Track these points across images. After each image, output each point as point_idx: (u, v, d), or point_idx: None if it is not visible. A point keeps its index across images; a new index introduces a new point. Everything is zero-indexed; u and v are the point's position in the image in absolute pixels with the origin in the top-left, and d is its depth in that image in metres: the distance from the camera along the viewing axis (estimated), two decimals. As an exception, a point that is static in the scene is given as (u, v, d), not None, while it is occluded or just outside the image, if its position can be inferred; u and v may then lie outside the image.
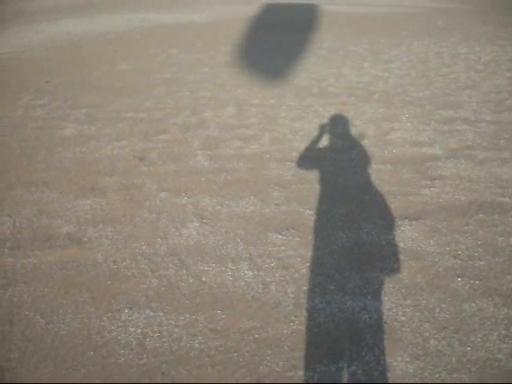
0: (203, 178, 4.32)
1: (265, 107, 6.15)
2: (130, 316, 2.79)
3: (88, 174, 4.46)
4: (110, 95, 6.83)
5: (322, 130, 5.36)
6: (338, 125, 5.50)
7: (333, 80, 7.21)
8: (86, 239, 3.51)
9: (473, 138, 5.01)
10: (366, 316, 2.73)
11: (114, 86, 7.31)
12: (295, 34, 10.64)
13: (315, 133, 5.27)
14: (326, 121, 5.61)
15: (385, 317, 2.73)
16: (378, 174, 4.30)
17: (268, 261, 3.21)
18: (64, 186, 4.26)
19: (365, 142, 4.97)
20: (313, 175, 4.31)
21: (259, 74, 7.67)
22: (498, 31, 10.14)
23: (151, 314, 2.80)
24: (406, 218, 3.62)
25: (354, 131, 5.28)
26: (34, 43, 10.45)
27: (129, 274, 3.14)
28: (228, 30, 11.06)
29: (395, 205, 3.81)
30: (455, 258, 3.19)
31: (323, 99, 6.36)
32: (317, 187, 4.12)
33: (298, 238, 3.43)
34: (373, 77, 7.34)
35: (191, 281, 3.05)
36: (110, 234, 3.57)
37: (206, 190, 4.11)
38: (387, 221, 3.61)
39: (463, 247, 3.29)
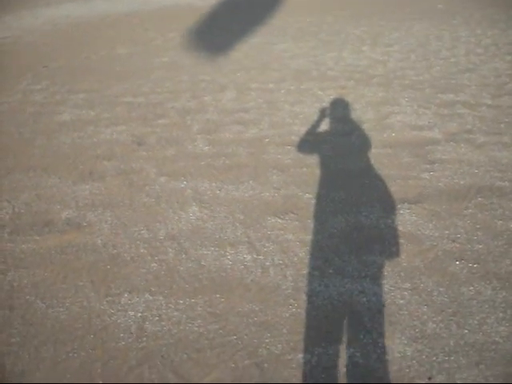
0: (202, 163, 4.31)
1: (264, 91, 6.12)
2: (129, 300, 2.81)
3: (86, 159, 4.46)
4: (108, 79, 6.80)
5: (322, 113, 5.34)
6: (337, 109, 5.47)
7: (332, 64, 7.17)
8: (85, 224, 3.52)
9: (473, 121, 4.99)
10: (365, 299, 2.74)
11: (112, 70, 7.27)
12: (294, 16, 10.56)
13: (314, 117, 5.25)
14: (325, 105, 5.59)
15: (383, 300, 2.74)
16: (378, 158, 4.29)
17: (267, 245, 3.21)
18: (62, 171, 4.26)
19: (364, 126, 4.95)
20: (312, 159, 4.31)
21: (258, 58, 7.63)
22: (498, 14, 10.03)
23: (150, 297, 2.82)
24: (405, 202, 3.62)
25: (353, 115, 5.26)
26: (34, 27, 10.40)
27: (128, 258, 3.15)
28: (226, 13, 10.99)
29: (394, 188, 3.81)
30: (454, 241, 3.19)
31: (322, 83, 6.33)
32: (316, 171, 4.11)
33: (296, 222, 3.44)
34: (372, 60, 7.29)
35: (190, 265, 3.06)
36: (109, 218, 3.58)
37: (205, 175, 4.11)
38: (386, 204, 3.60)
39: (462, 231, 3.29)
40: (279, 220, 3.47)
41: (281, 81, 6.50)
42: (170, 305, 2.76)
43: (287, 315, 2.66)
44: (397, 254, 3.09)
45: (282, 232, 3.34)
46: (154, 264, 3.08)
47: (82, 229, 3.47)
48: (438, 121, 5.03)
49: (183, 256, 3.14)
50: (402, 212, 3.51)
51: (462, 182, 3.87)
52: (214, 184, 3.96)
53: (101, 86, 6.55)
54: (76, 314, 2.73)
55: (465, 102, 5.52)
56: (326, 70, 6.89)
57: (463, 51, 7.58)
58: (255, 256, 3.11)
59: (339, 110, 5.44)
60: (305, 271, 2.97)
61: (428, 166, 4.12)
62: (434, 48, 7.85)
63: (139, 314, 2.71)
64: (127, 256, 3.16)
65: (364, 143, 4.58)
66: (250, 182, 3.97)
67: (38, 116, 5.58)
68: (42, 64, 7.72)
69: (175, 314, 2.70)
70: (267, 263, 3.05)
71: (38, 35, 9.71)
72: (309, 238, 3.27)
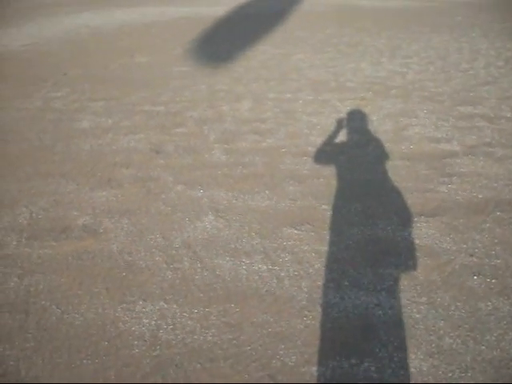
0: (219, 172, 4.32)
1: (281, 101, 6.13)
2: (144, 308, 2.81)
3: (105, 166, 4.49)
4: (127, 88, 6.85)
5: (339, 124, 5.33)
6: (355, 120, 5.46)
7: (351, 75, 7.16)
8: (101, 231, 3.54)
9: (491, 134, 4.95)
10: (380, 312, 2.72)
11: (131, 78, 7.33)
12: (314, 27, 10.59)
13: (332, 128, 5.25)
14: (343, 116, 5.58)
15: (399, 314, 2.71)
16: (395, 170, 4.27)
17: (282, 255, 3.20)
18: (81, 178, 4.29)
19: (382, 138, 4.93)
20: (329, 170, 4.29)
21: (276, 68, 7.65)
22: (519, 27, 9.99)
23: (165, 306, 2.82)
24: (422, 215, 3.59)
25: (370, 126, 5.25)
26: (53, 36, 10.52)
27: (143, 266, 3.15)
28: (245, 23, 11.04)
29: (412, 201, 3.78)
30: (471, 255, 3.16)
31: (341, 94, 6.32)
32: (333, 182, 4.10)
33: (312, 233, 3.42)
34: (391, 72, 7.27)
35: (205, 274, 3.06)
36: (125, 226, 3.59)
37: (221, 184, 4.11)
38: (403, 217, 3.58)
39: (480, 245, 3.26)
40: (295, 231, 3.45)
41: (298, 91, 6.51)
42: (185, 313, 2.76)
43: (302, 327, 2.65)
44: (413, 267, 3.06)
45: (297, 243, 3.33)
46: (169, 272, 3.08)
47: (99, 235, 3.49)
48: (457, 133, 5.00)
49: (198, 265, 3.14)
50: (419, 225, 3.48)
51: (480, 196, 3.83)
52: (230, 193, 3.96)
53: (120, 94, 6.60)
54: (91, 320, 2.74)
55: (484, 114, 5.49)
56: (345, 81, 6.89)
57: (483, 64, 7.54)
58: (270, 266, 3.10)
59: (357, 121, 5.43)
60: (320, 283, 2.95)
61: (446, 179, 4.09)
62: (454, 60, 7.81)
63: (153, 322, 2.71)
64: (142, 264, 3.17)
65: (381, 155, 4.56)
66: (267, 192, 3.97)
67: (58, 123, 5.63)
68: (62, 72, 7.80)
69: (189, 322, 2.69)
70: (282, 274, 3.04)
71: (57, 43, 9.83)
72: (324, 249, 3.25)
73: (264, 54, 8.60)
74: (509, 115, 5.42)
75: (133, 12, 13.13)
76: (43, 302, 2.88)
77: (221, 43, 9.43)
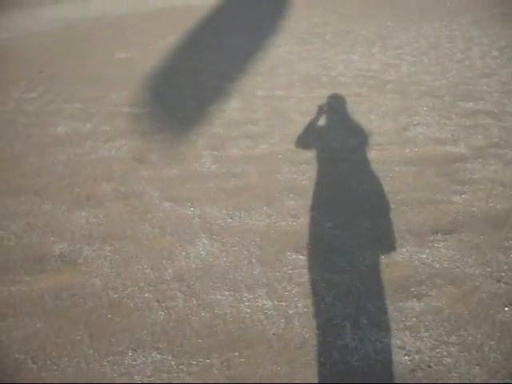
0: (210, 184, 3.92)
1: (272, 99, 5.72)
2: (134, 360, 2.42)
3: (83, 180, 4.06)
4: (106, 87, 6.40)
5: (336, 126, 4.94)
6: (352, 120, 5.07)
7: (342, 68, 6.77)
8: (81, 260, 3.13)
9: (499, 133, 4.61)
10: (406, 358, 2.37)
11: (110, 76, 6.87)
12: (298, 15, 10.16)
13: (329, 129, 4.86)
14: (339, 115, 5.20)
15: (428, 358, 2.36)
16: (401, 178, 3.91)
17: (289, 288, 2.82)
18: (57, 195, 3.86)
19: (383, 140, 4.56)
20: (330, 180, 3.92)
21: (264, 62, 7.22)
22: (509, 13, 9.65)
23: (158, 357, 2.43)
24: (438, 232, 3.24)
25: (370, 127, 4.86)
26: (28, 29, 9.98)
27: (131, 304, 2.76)
28: (226, 13, 10.59)
29: (424, 215, 3.43)
30: (498, 281, 2.82)
31: (334, 90, 5.93)
32: (336, 194, 3.72)
33: (320, 258, 3.05)
34: (384, 64, 6.89)
35: (203, 314, 2.67)
36: (108, 254, 3.18)
37: (213, 199, 3.72)
38: (417, 235, 3.22)
39: (506, 267, 2.92)
40: (300, 256, 3.07)
41: (289, 87, 6.10)
42: (182, 366, 2.37)
43: (316, 380, 2.29)
44: (437, 298, 2.71)
45: (304, 271, 2.95)
46: (161, 312, 2.69)
47: (79, 266, 3.08)
48: (462, 133, 4.65)
49: (194, 302, 2.75)
50: (436, 245, 3.13)
51: (497, 207, 3.50)
52: (224, 211, 3.57)
53: (98, 94, 6.15)
54: (72, 377, 2.34)
55: (487, 111, 5.15)
56: (337, 75, 6.49)
57: (478, 54, 7.20)
58: (276, 302, 2.72)
59: (355, 121, 5.04)
60: (334, 321, 2.59)
61: (458, 188, 3.75)
62: (447, 50, 7.47)
63: (146, 379, 2.31)
64: (130, 302, 2.77)
65: (385, 160, 4.19)
66: (264, 208, 3.59)
67: (32, 128, 5.18)
68: (37, 69, 7.31)
69: (188, 379, 2.31)
70: (291, 311, 2.66)
71: (33, 37, 9.29)
72: (335, 277, 2.88)
73: (249, 45, 8.15)
74: (514, 111, 5.10)
75: (111, 3, 12.55)
76: (17, 355, 2.47)
77: (201, 36, 8.98)
